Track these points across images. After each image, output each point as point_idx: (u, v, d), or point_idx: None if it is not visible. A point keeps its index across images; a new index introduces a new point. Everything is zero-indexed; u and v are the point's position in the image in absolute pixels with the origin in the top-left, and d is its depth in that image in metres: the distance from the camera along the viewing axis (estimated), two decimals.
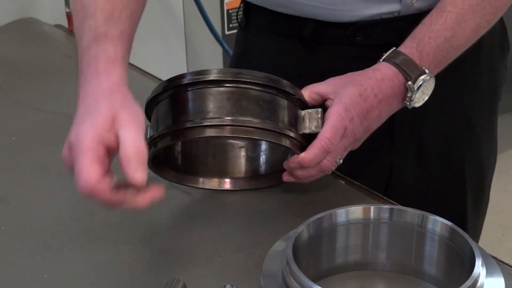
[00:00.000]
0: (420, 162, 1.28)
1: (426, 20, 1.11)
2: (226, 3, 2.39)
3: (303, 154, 1.04)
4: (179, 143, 1.12)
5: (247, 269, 0.99)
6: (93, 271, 1.00)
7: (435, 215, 0.97)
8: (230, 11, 2.40)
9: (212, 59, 2.43)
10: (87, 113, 0.93)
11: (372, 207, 0.99)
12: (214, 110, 1.00)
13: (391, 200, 1.13)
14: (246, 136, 1.02)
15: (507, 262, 0.99)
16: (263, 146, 1.16)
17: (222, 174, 1.15)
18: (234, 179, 1.15)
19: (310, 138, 1.04)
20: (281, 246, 0.96)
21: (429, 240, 0.97)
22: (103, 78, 0.96)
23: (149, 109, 1.06)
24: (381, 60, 1.09)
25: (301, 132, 1.04)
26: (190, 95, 1.01)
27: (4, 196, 1.15)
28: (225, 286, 0.94)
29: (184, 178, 1.14)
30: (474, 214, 1.34)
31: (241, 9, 1.33)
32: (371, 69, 1.09)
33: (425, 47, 1.09)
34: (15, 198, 1.15)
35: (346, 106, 1.04)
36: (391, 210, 0.99)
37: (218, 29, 2.37)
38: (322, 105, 1.07)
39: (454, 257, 0.95)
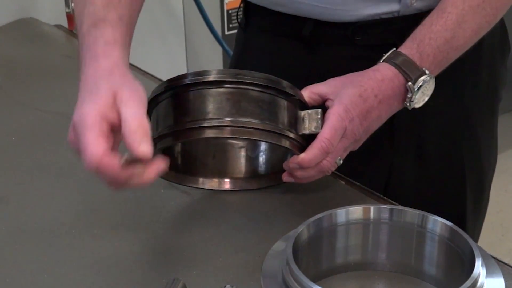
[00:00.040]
0: (419, 162, 1.28)
1: (426, 21, 1.11)
2: (226, 3, 2.39)
3: (302, 155, 1.04)
4: (179, 143, 1.12)
5: (247, 269, 0.99)
6: (93, 271, 1.00)
7: (435, 215, 0.97)
8: (230, 11, 2.40)
9: (212, 59, 2.43)
10: (88, 93, 0.94)
11: (372, 207, 0.99)
12: (213, 111, 1.00)
13: (391, 200, 1.13)
14: (246, 137, 1.02)
15: (507, 262, 0.99)
16: (263, 146, 1.16)
17: (222, 174, 1.15)
18: (234, 179, 1.15)
19: (310, 138, 1.04)
20: (281, 246, 0.97)
21: (429, 240, 0.97)
22: (102, 60, 0.97)
23: (149, 109, 1.05)
24: (381, 61, 1.09)
25: (300, 133, 1.04)
26: (189, 96, 1.01)
27: (4, 196, 1.15)
28: (225, 286, 0.94)
29: (184, 178, 1.14)
30: (474, 214, 1.34)
31: (241, 9, 1.33)
32: (371, 70, 1.09)
33: (426, 48, 1.09)
34: (15, 198, 1.15)
35: (346, 106, 1.04)
36: (391, 210, 0.99)
37: (218, 29, 2.37)
38: (322, 105, 1.07)
39: (454, 257, 0.95)
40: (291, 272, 0.90)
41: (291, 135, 1.03)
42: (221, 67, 2.42)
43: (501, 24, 1.28)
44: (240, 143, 1.15)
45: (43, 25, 1.77)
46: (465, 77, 1.26)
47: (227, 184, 1.15)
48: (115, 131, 0.91)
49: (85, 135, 0.89)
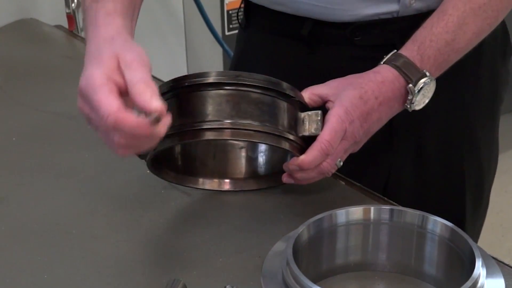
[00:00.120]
0: (418, 164, 1.28)
1: (427, 23, 1.11)
2: (226, 4, 2.39)
3: (302, 157, 1.04)
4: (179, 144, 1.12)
5: (247, 270, 0.99)
6: (93, 272, 1.00)
7: (435, 216, 0.97)
8: (230, 12, 2.40)
9: (212, 60, 2.43)
10: (92, 60, 0.95)
11: (372, 208, 0.99)
12: (213, 113, 1.00)
13: (391, 201, 1.13)
14: (246, 140, 1.02)
15: (507, 263, 0.99)
16: (263, 147, 1.15)
17: (222, 174, 1.15)
18: (234, 179, 1.15)
19: (310, 140, 1.04)
20: (281, 247, 0.96)
21: (429, 241, 0.97)
22: (103, 29, 0.98)
23: None
24: (382, 63, 1.09)
25: (300, 135, 1.04)
26: (189, 97, 1.01)
27: (4, 196, 1.15)
28: (225, 286, 0.94)
29: (184, 179, 1.14)
30: (473, 216, 1.34)
31: (242, 9, 1.33)
32: (372, 72, 1.09)
33: (426, 50, 1.09)
34: (15, 198, 1.15)
35: (346, 108, 1.04)
36: (391, 211, 0.99)
37: (218, 29, 2.37)
38: (323, 107, 1.07)
39: (454, 257, 0.95)
40: (291, 273, 0.90)
41: (291, 137, 1.03)
42: (221, 67, 2.42)
43: (503, 26, 1.28)
44: (241, 143, 1.15)
45: (44, 25, 1.77)
46: (466, 79, 1.25)
47: (227, 184, 1.15)
48: (123, 95, 0.91)
49: (96, 95, 0.90)
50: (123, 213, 1.11)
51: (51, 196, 1.15)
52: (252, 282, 0.96)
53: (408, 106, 1.09)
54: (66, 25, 1.80)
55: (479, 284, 0.89)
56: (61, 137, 1.30)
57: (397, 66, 1.08)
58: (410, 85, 1.08)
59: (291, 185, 1.10)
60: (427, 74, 1.08)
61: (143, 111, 0.89)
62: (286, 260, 0.91)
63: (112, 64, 0.92)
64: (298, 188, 1.11)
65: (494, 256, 0.97)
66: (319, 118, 1.04)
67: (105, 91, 0.90)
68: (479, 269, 0.89)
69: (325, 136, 1.03)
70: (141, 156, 1.06)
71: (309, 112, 1.05)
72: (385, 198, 1.14)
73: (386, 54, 1.10)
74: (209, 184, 1.15)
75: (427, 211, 0.98)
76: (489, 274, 0.91)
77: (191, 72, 0.97)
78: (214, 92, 1.01)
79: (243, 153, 1.16)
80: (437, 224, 0.96)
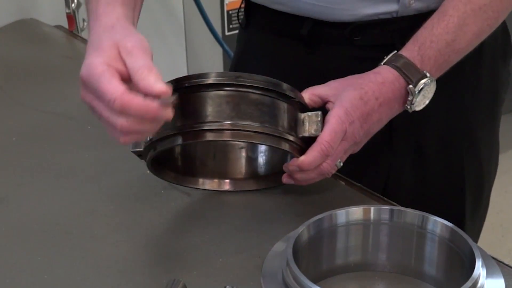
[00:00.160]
0: (418, 164, 1.28)
1: (428, 24, 1.11)
2: (226, 4, 2.39)
3: (302, 158, 1.04)
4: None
5: (247, 270, 0.99)
6: (93, 272, 1.00)
7: (435, 216, 0.97)
8: (230, 12, 2.40)
9: (212, 60, 2.43)
10: (92, 48, 0.95)
11: (372, 208, 0.99)
12: (213, 114, 1.00)
13: (391, 201, 1.13)
14: (246, 141, 1.02)
15: (507, 263, 0.99)
16: (263, 147, 1.15)
17: (222, 175, 1.15)
18: (234, 180, 1.15)
19: (310, 141, 1.04)
20: (281, 247, 0.96)
21: (429, 241, 0.97)
22: (103, 17, 0.99)
23: None
24: (382, 63, 1.09)
25: (300, 136, 1.04)
26: (189, 98, 1.01)
27: (4, 196, 1.15)
28: (225, 286, 0.94)
29: (184, 179, 1.14)
30: (472, 217, 1.34)
31: (242, 9, 1.33)
32: (372, 72, 1.08)
33: (427, 50, 1.09)
34: (15, 198, 1.15)
35: (346, 109, 1.04)
36: (391, 211, 0.99)
37: (218, 30, 2.37)
38: (323, 107, 1.07)
39: (454, 258, 0.95)
40: (291, 273, 0.90)
41: (291, 138, 1.03)
42: (221, 67, 2.42)
43: (503, 27, 1.28)
44: (241, 144, 1.15)
45: (44, 25, 1.77)
46: (466, 80, 1.25)
47: (227, 185, 1.15)
48: (126, 82, 0.91)
49: (99, 82, 0.90)
50: (123, 213, 1.11)
51: (51, 196, 1.15)
52: (252, 282, 0.96)
53: (409, 107, 1.09)
54: (66, 25, 1.80)
55: (479, 285, 0.89)
56: (61, 137, 1.30)
57: (398, 66, 1.08)
58: (411, 86, 1.08)
59: (291, 185, 1.10)
60: (428, 75, 1.08)
61: (148, 96, 0.89)
62: (286, 260, 0.91)
63: (113, 52, 0.92)
64: (298, 188, 1.11)
65: (494, 256, 0.97)
66: (319, 119, 1.04)
67: (108, 77, 0.90)
68: (479, 270, 0.89)
69: (325, 137, 1.03)
70: (141, 156, 1.06)
71: (309, 113, 1.05)
72: (385, 198, 1.14)
73: (386, 54, 1.10)
74: (209, 184, 1.15)
75: (426, 212, 0.98)
76: (489, 274, 0.91)
77: (191, 72, 0.97)
78: (214, 93, 1.01)
79: (243, 154, 1.16)
80: (437, 224, 0.96)
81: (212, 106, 1.00)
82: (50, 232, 1.07)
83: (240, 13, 1.36)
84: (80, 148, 1.25)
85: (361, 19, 1.19)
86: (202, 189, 1.14)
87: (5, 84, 1.48)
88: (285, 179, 1.09)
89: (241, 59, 1.35)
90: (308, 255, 0.96)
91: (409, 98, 1.08)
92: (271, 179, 1.14)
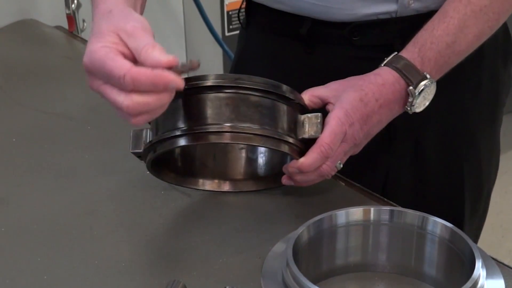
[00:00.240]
0: (417, 166, 1.27)
1: (428, 25, 1.11)
2: (226, 5, 2.39)
3: (302, 159, 1.03)
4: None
5: (247, 271, 0.99)
6: (93, 272, 1.00)
7: (435, 217, 0.97)
8: (230, 13, 2.40)
9: (212, 61, 2.43)
10: (92, 36, 0.95)
11: (372, 209, 0.99)
12: (213, 116, 1.00)
13: (391, 202, 1.13)
14: (245, 143, 1.02)
15: (507, 264, 0.99)
16: (263, 148, 1.15)
17: (222, 175, 1.15)
18: (234, 180, 1.15)
19: (310, 142, 1.04)
20: (281, 248, 0.96)
21: (429, 242, 0.97)
22: (101, 4, 0.98)
23: None
24: (382, 65, 1.09)
25: (300, 137, 1.04)
26: (189, 100, 1.01)
27: (4, 196, 1.15)
28: (225, 287, 0.94)
29: (184, 180, 1.14)
30: (471, 218, 1.34)
31: (243, 9, 1.33)
32: (372, 74, 1.08)
33: (427, 52, 1.09)
34: (15, 199, 1.15)
35: (346, 111, 1.04)
36: (391, 211, 0.99)
37: (218, 30, 2.37)
38: (323, 109, 1.07)
39: (454, 258, 0.95)
40: (291, 274, 0.90)
41: (291, 140, 1.03)
42: (221, 68, 2.42)
43: (504, 29, 1.28)
44: (240, 145, 1.15)
45: (44, 26, 1.77)
46: (466, 82, 1.25)
47: (227, 185, 1.15)
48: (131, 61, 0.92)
49: (105, 63, 0.90)
50: (123, 214, 1.11)
51: (51, 196, 1.15)
52: (252, 283, 0.96)
53: (409, 108, 1.09)
54: (66, 26, 1.80)
55: (479, 285, 0.89)
56: (61, 138, 1.30)
57: (398, 68, 1.08)
58: (411, 87, 1.08)
59: (291, 186, 1.10)
60: (428, 76, 1.08)
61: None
62: (286, 261, 0.91)
63: (112, 37, 0.92)
64: (298, 189, 1.11)
65: (494, 257, 0.97)
66: (319, 120, 1.04)
67: (112, 56, 0.90)
68: (479, 270, 0.89)
69: (325, 138, 1.03)
70: (141, 157, 1.06)
71: (309, 115, 1.05)
72: (385, 199, 1.14)
73: (385, 55, 1.10)
74: (209, 185, 1.15)
75: (425, 212, 0.98)
76: (489, 275, 0.91)
77: (191, 73, 0.97)
78: (213, 95, 1.01)
79: (243, 154, 1.16)
80: (437, 225, 0.96)
81: (212, 108, 1.00)
82: (50, 232, 1.07)
83: (240, 14, 1.36)
84: (80, 148, 1.25)
85: (360, 19, 1.19)
86: (202, 189, 1.14)
87: (5, 84, 1.48)
88: (284, 180, 1.09)
89: (241, 58, 1.35)
90: (308, 256, 0.96)
91: (409, 100, 1.08)
92: (271, 180, 1.14)
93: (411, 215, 0.98)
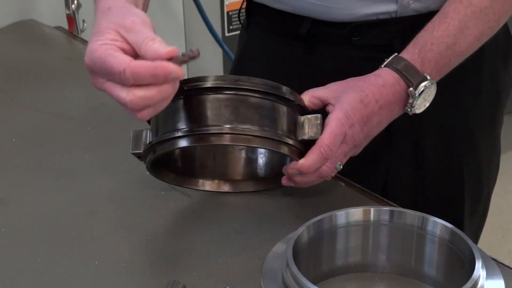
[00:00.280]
0: (416, 167, 1.27)
1: (428, 27, 1.11)
2: (226, 5, 2.39)
3: (301, 161, 1.03)
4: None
5: (247, 271, 0.99)
6: (93, 273, 1.00)
7: (435, 217, 0.97)
8: (230, 13, 2.40)
9: (212, 61, 2.43)
10: (92, 35, 0.95)
11: (372, 209, 0.99)
12: (212, 117, 1.00)
13: (391, 202, 1.13)
14: (245, 145, 1.02)
15: (507, 264, 0.99)
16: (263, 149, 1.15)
17: (222, 176, 1.15)
18: (234, 181, 1.15)
19: (309, 143, 1.04)
20: (281, 248, 0.96)
21: (429, 242, 0.97)
22: (101, 3, 0.98)
23: None
24: (382, 66, 1.09)
25: (300, 138, 1.04)
26: (189, 102, 1.01)
27: (4, 197, 1.15)
28: (225, 287, 0.94)
29: (184, 180, 1.14)
30: (470, 219, 1.34)
31: (243, 9, 1.33)
32: (372, 75, 1.08)
33: (427, 53, 1.08)
34: (15, 199, 1.15)
35: (346, 112, 1.04)
36: (391, 212, 0.99)
37: (218, 30, 2.37)
38: (323, 110, 1.07)
39: (454, 259, 0.95)
40: (291, 274, 0.90)
41: (290, 141, 1.03)
42: (221, 69, 2.42)
43: (505, 30, 1.27)
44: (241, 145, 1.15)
45: (44, 26, 1.77)
46: (466, 83, 1.25)
47: (227, 186, 1.15)
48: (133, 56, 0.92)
49: (105, 60, 0.90)
50: (123, 214, 1.11)
51: (51, 196, 1.15)
52: (252, 283, 0.96)
53: (409, 109, 1.09)
54: (66, 26, 1.80)
55: (479, 285, 0.89)
56: (61, 138, 1.30)
57: (398, 69, 1.08)
58: (411, 88, 1.07)
59: (291, 187, 1.10)
60: (428, 77, 1.08)
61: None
62: (286, 261, 0.91)
63: (112, 34, 0.92)
64: (298, 189, 1.11)
65: (494, 257, 0.97)
66: (318, 122, 1.04)
67: (111, 52, 0.91)
68: (479, 271, 0.89)
69: (325, 140, 1.03)
70: (141, 158, 1.06)
71: (309, 116, 1.04)
72: (385, 199, 1.14)
73: (384, 55, 1.10)
74: (209, 185, 1.15)
75: (424, 212, 0.98)
76: (489, 275, 0.91)
77: (191, 74, 0.97)
78: (213, 97, 1.00)
79: (243, 155, 1.16)
80: (437, 225, 0.96)
81: (212, 109, 1.00)
82: (50, 232, 1.07)
83: (241, 14, 1.36)
84: (80, 149, 1.25)
85: (360, 19, 1.19)
86: (202, 190, 1.14)
87: (5, 84, 1.48)
88: (284, 181, 1.09)
89: (242, 58, 1.35)
90: (308, 256, 0.96)
91: (409, 101, 1.08)
92: (271, 180, 1.14)
93: (411, 216, 0.98)
